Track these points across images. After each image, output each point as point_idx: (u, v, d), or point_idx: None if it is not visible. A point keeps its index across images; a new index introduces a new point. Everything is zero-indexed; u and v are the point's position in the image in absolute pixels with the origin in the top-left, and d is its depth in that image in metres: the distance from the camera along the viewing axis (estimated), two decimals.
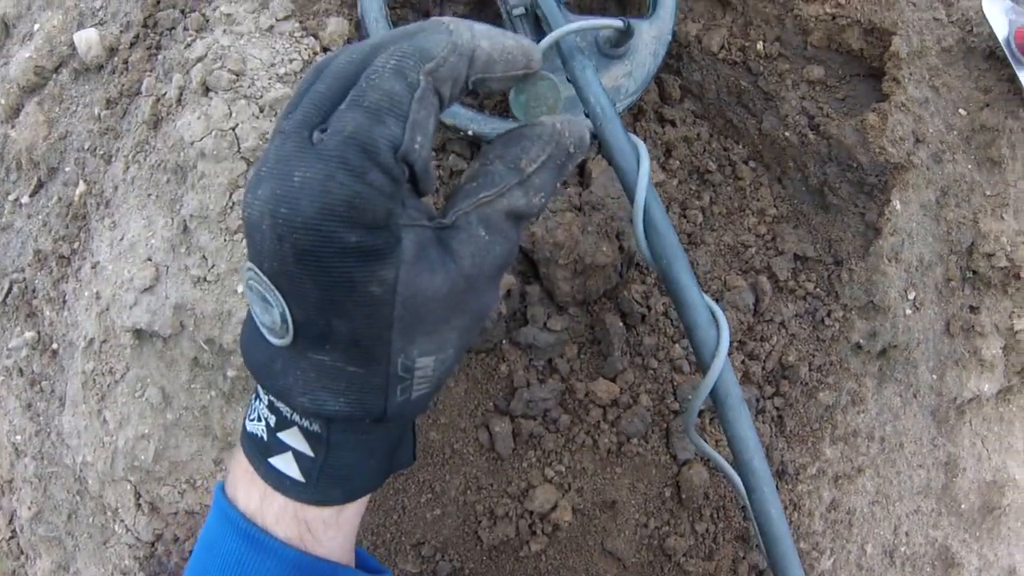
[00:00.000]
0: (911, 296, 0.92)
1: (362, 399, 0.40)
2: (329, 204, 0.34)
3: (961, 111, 0.92)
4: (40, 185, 1.09)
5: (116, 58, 1.01)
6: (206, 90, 0.80)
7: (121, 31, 1.02)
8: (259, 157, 0.36)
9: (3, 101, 1.16)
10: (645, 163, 0.65)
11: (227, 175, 0.77)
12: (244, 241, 0.53)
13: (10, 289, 1.11)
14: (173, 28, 0.95)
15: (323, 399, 0.40)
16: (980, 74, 0.93)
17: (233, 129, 0.76)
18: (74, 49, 1.07)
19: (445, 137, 0.79)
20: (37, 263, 1.06)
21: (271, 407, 0.43)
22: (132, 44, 1.00)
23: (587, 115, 0.70)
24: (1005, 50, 0.89)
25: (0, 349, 1.13)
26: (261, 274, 0.37)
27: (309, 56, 0.78)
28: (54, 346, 1.02)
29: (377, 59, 0.37)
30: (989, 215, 0.96)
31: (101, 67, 1.04)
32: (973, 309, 0.99)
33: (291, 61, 0.79)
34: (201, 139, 0.78)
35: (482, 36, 0.40)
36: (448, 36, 0.38)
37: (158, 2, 0.98)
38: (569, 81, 0.72)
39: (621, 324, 0.75)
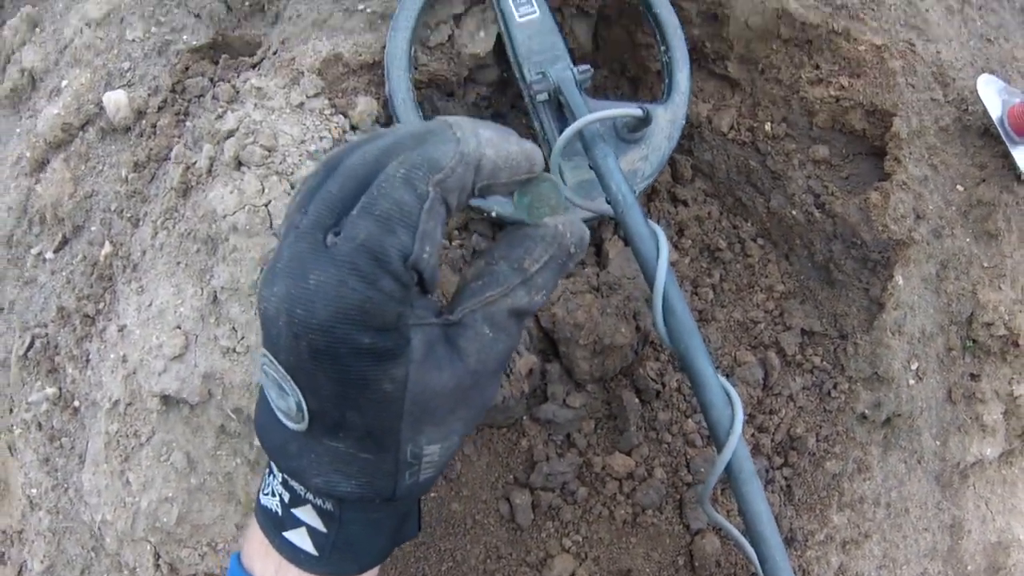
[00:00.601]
0: (914, 366, 0.95)
1: (373, 482, 0.43)
2: (343, 309, 0.36)
3: (959, 187, 0.97)
4: (65, 242, 1.12)
5: (144, 121, 1.05)
6: (239, 164, 0.83)
7: (149, 94, 1.06)
8: (273, 251, 0.39)
9: (29, 155, 1.19)
10: (664, 250, 0.68)
11: (259, 250, 0.80)
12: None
13: (32, 343, 1.13)
14: (202, 96, 0.99)
15: (336, 481, 0.43)
16: (976, 151, 0.98)
17: (266, 205, 0.80)
18: (101, 108, 1.11)
19: (468, 217, 0.82)
20: (60, 320, 1.09)
21: (285, 484, 0.46)
22: (160, 108, 1.04)
23: (608, 201, 0.74)
24: (999, 128, 0.94)
25: (19, 402, 1.15)
26: (277, 363, 0.40)
27: (339, 134, 0.82)
28: (75, 403, 1.05)
29: (388, 166, 0.38)
30: (987, 286, 1.00)
31: (128, 129, 1.07)
32: (974, 377, 1.02)
33: (321, 139, 0.83)
34: (234, 213, 0.81)
35: (487, 144, 0.41)
36: (456, 146, 0.39)
37: (186, 68, 1.02)
38: (591, 167, 0.76)
39: (637, 400, 0.78)
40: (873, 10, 0.92)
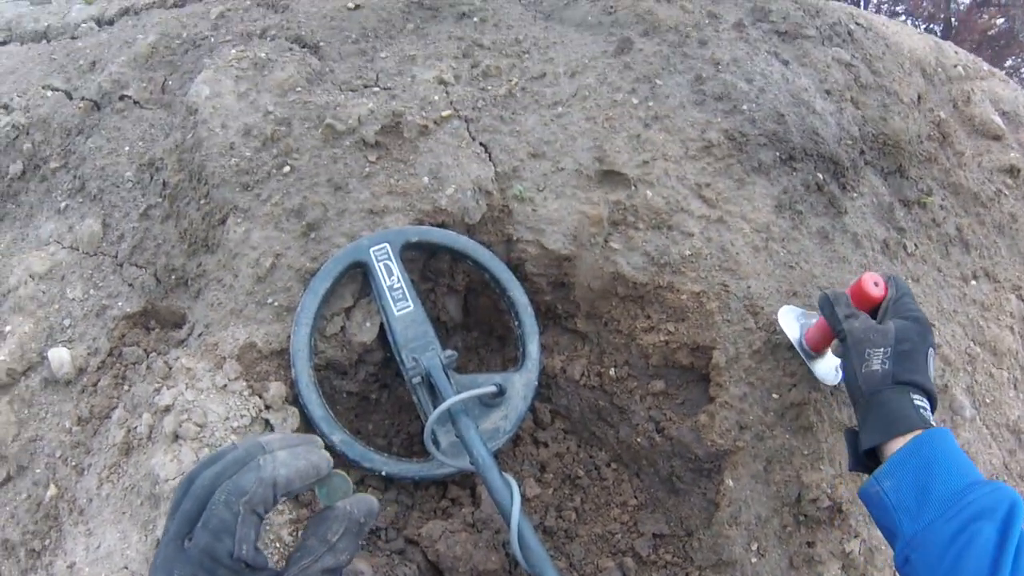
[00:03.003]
0: (754, 547, 1.24)
1: None
2: None
3: (774, 395, 1.28)
4: (9, 478, 1.34)
5: (85, 379, 1.30)
6: (176, 437, 1.09)
7: (89, 354, 1.31)
8: (158, 548, 0.68)
9: None
10: (517, 500, 0.97)
11: None
12: None
13: None
14: (137, 363, 1.25)
15: None
16: (785, 363, 1.30)
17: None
18: (43, 358, 1.36)
19: (363, 474, 1.09)
20: (5, 551, 1.30)
21: None
22: (99, 368, 1.29)
23: (472, 463, 1.01)
24: (798, 350, 1.28)
25: None
26: None
27: (256, 413, 1.09)
28: None
29: (216, 491, 0.68)
30: (809, 469, 1.31)
31: (70, 383, 1.31)
32: (810, 544, 1.32)
33: (242, 416, 1.09)
34: (174, 478, 1.06)
35: (282, 465, 0.71)
36: (257, 472, 0.69)
37: (123, 336, 1.28)
38: (457, 437, 1.03)
39: None
40: (692, 262, 1.25)
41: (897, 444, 0.96)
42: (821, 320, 1.21)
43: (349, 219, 1.17)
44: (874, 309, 1.14)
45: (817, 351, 1.27)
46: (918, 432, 0.95)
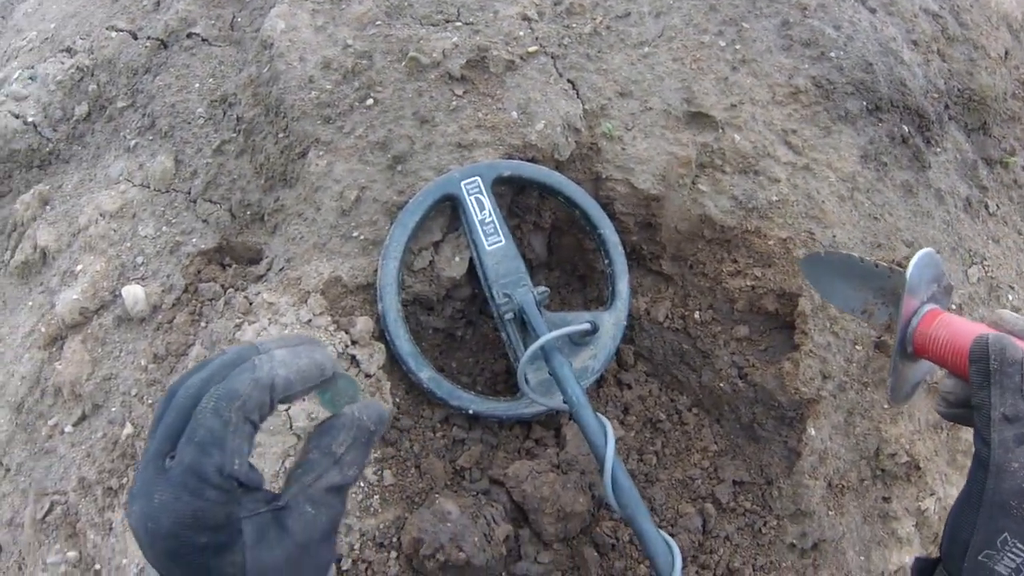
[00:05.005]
0: (832, 498, 1.23)
1: None
2: (180, 518, 0.53)
3: (857, 347, 1.27)
4: (83, 417, 1.36)
5: (160, 316, 1.30)
6: None
7: (163, 291, 1.32)
8: (136, 471, 0.59)
9: (44, 330, 1.43)
10: (611, 439, 0.97)
11: (280, 446, 1.06)
12: None
13: (51, 508, 1.36)
14: (214, 299, 1.26)
15: None
16: None
17: (287, 410, 1.05)
18: (116, 296, 1.37)
19: (448, 412, 1.09)
20: (81, 489, 1.32)
21: None
22: (174, 305, 1.30)
23: (565, 401, 1.01)
24: (897, 330, 0.84)
25: (35, 562, 1.37)
26: (150, 566, 0.56)
27: (342, 348, 1.08)
28: (97, 567, 1.27)
29: (203, 399, 0.56)
30: (888, 423, 1.30)
31: (143, 320, 1.32)
32: (885, 499, 1.31)
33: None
34: None
35: (280, 364, 0.58)
36: (251, 373, 0.57)
37: (199, 272, 1.29)
38: (551, 374, 1.03)
39: (596, 554, 1.06)
40: (779, 208, 1.23)
41: None
42: (956, 338, 0.78)
43: (436, 152, 1.16)
44: None
45: (920, 354, 0.83)
46: None
